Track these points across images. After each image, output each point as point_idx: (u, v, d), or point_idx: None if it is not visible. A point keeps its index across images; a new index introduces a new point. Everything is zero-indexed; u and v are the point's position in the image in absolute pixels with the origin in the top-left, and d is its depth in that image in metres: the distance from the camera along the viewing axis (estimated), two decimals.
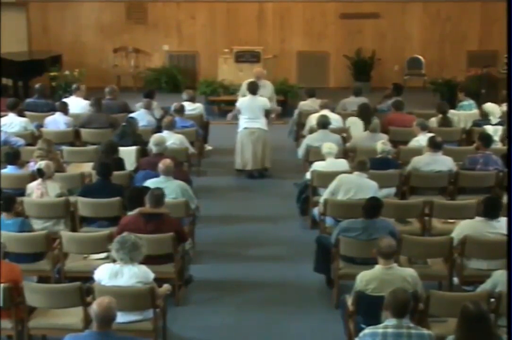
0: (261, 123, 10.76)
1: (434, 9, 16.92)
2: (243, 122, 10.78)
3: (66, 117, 10.72)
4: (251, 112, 10.72)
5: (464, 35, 16.87)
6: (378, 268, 5.80)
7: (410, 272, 5.83)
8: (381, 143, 8.83)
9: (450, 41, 17.01)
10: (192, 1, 16.88)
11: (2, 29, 15.45)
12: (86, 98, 11.63)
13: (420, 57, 16.87)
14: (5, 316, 5.87)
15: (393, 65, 16.96)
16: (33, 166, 8.40)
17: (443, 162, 8.72)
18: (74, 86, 11.97)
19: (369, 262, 6.13)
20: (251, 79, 11.31)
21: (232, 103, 11.45)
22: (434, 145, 8.70)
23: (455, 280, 6.82)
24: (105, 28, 16.90)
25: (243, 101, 10.86)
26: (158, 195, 6.85)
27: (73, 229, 7.68)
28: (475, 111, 11.32)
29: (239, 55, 14.82)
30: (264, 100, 10.89)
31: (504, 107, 10.81)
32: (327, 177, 8.30)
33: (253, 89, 10.86)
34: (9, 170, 8.41)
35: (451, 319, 5.48)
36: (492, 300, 5.62)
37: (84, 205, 7.73)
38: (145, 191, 6.99)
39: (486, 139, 8.91)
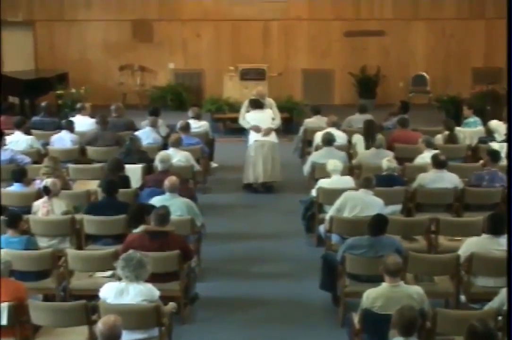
0: (270, 135, 10.84)
1: (439, 27, 16.99)
2: (254, 135, 10.83)
3: (72, 135, 10.75)
4: (260, 125, 10.79)
5: (468, 52, 16.92)
6: (384, 285, 5.77)
7: (416, 289, 5.79)
8: (387, 160, 8.82)
9: (454, 58, 17.06)
10: (197, 19, 16.98)
11: (9, 48, 15.55)
12: (92, 116, 11.67)
13: (425, 74, 16.91)
14: (10, 335, 5.83)
15: (398, 82, 17.00)
16: (39, 183, 8.41)
17: (449, 179, 8.70)
18: (78, 105, 12.00)
19: (375, 280, 6.09)
20: (254, 97, 11.33)
21: (237, 120, 11.46)
22: (437, 163, 8.70)
23: (462, 297, 6.78)
24: (111, 47, 17.00)
25: (252, 115, 10.92)
26: (163, 215, 6.83)
27: (79, 247, 7.66)
28: (481, 128, 11.32)
29: (244, 72, 14.88)
30: (270, 111, 11.03)
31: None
32: (333, 194, 8.29)
33: (259, 104, 10.95)
34: (15, 187, 8.42)
35: (458, 338, 5.44)
36: (500, 318, 5.57)
37: (89, 222, 7.72)
38: (147, 208, 6.98)
39: (495, 155, 8.90)
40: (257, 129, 10.84)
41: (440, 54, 17.10)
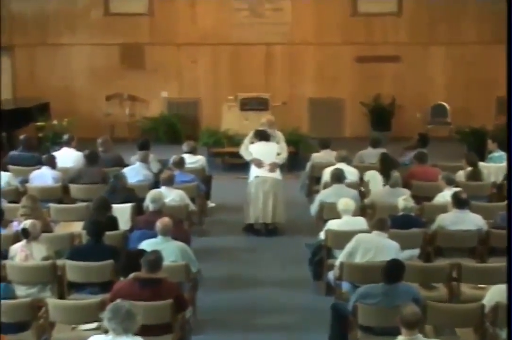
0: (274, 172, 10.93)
1: (458, 52, 17.15)
2: (255, 171, 10.92)
3: (54, 171, 10.81)
4: (265, 159, 10.92)
5: (492, 79, 17.01)
6: (401, 339, 5.77)
7: None
8: (403, 199, 8.86)
9: (477, 86, 17.18)
10: (194, 43, 17.17)
11: None
12: (77, 149, 11.75)
13: (445, 104, 17.04)
14: None
15: (415, 113, 17.08)
16: (17, 226, 8.43)
17: (472, 220, 8.73)
18: (65, 136, 12.08)
19: (391, 333, 6.10)
20: (261, 127, 11.44)
21: (237, 154, 11.56)
22: (458, 202, 8.74)
23: None
24: (98, 74, 17.17)
25: (255, 147, 11.03)
26: (154, 260, 6.84)
27: (61, 296, 7.66)
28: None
29: (244, 102, 15.00)
30: (276, 145, 11.12)
31: None
32: (343, 237, 8.31)
33: (265, 136, 11.05)
34: None
35: None
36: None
37: (73, 269, 7.73)
38: (143, 254, 7.00)
39: None
40: (258, 163, 10.93)
41: (461, 82, 17.25)
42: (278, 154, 11.12)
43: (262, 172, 10.88)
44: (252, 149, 11.10)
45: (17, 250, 7.83)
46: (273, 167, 10.91)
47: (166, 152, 12.69)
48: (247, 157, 11.15)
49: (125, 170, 10.68)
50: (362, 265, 7.79)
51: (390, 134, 16.48)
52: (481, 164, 11.22)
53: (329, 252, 8.78)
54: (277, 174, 11.01)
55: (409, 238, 8.52)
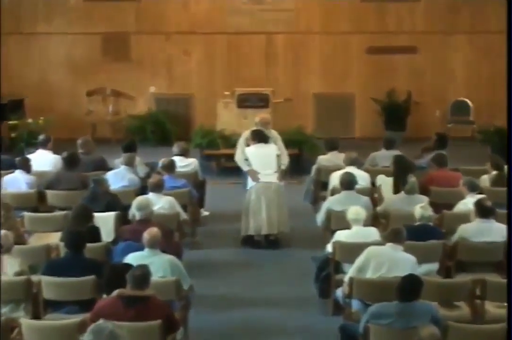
0: (276, 176, 10.93)
1: (482, 42, 17.16)
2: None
3: (28, 175, 10.80)
4: (264, 163, 10.88)
5: None
6: None
7: None
8: (420, 207, 8.86)
9: (503, 81, 17.14)
10: (185, 32, 17.18)
11: None
12: (54, 152, 11.75)
13: (467, 100, 17.06)
14: None
15: (433, 111, 17.12)
16: None
17: (497, 231, 8.72)
18: (41, 137, 12.08)
19: None
20: (256, 128, 11.43)
21: (233, 157, 11.57)
22: (482, 210, 8.74)
23: None
24: (78, 66, 17.18)
25: (252, 151, 11.00)
26: (141, 276, 6.84)
27: (36, 316, 7.65)
28: None
29: (242, 98, 15.00)
30: (276, 147, 11.14)
31: None
32: (353, 250, 8.30)
33: (263, 137, 11.02)
34: None
35: None
36: None
37: (49, 285, 7.72)
38: (128, 269, 6.99)
39: None
40: (254, 176, 10.91)
41: (485, 76, 17.27)
42: (278, 155, 11.12)
43: (263, 178, 10.87)
44: (249, 153, 11.05)
45: None
46: (281, 176, 10.94)
47: (155, 155, 12.70)
48: (244, 167, 11.15)
49: (109, 175, 10.69)
50: (375, 281, 7.78)
51: (405, 134, 16.49)
52: (507, 167, 11.21)
53: (337, 267, 8.78)
54: (278, 179, 11.02)
55: (427, 251, 8.52)
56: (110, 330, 5.78)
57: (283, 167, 11.18)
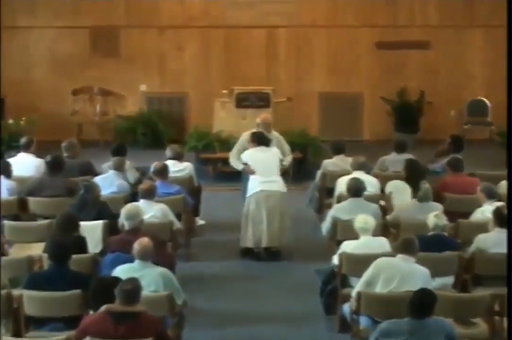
0: (278, 183, 10.92)
1: (500, 37, 17.13)
2: (255, 183, 10.90)
3: (9, 181, 10.80)
4: (265, 169, 10.87)
5: None
6: None
7: None
8: (434, 216, 8.87)
9: None
10: (180, 26, 17.18)
11: None
12: (37, 156, 11.75)
13: (484, 99, 17.05)
14: None
15: (448, 111, 17.12)
16: None
17: None
18: (23, 139, 12.08)
19: None
20: (256, 130, 11.43)
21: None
22: (501, 219, 8.75)
23: None
24: (63, 63, 17.18)
25: (251, 154, 10.98)
26: (131, 290, 6.84)
27: (17, 334, 7.64)
28: None
29: (241, 97, 15.02)
30: (278, 151, 11.15)
31: None
32: (361, 262, 8.31)
33: (264, 140, 11.00)
34: None
35: None
36: None
37: (31, 300, 7.72)
38: (117, 283, 7.00)
39: None
40: (251, 172, 10.92)
41: (504, 74, 17.26)
42: (282, 160, 11.13)
43: (264, 185, 10.82)
44: (248, 157, 11.03)
45: None
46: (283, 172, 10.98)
47: (146, 158, 12.72)
48: (238, 166, 11.18)
49: (96, 180, 10.68)
50: (384, 296, 7.79)
51: (418, 136, 16.50)
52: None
53: (344, 280, 8.79)
54: (281, 186, 10.98)
55: (441, 263, 8.53)
56: None
57: (285, 163, 11.17)
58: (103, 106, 17.10)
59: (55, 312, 7.71)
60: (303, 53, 17.31)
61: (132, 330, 6.74)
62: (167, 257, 8.84)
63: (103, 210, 9.74)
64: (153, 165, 11.01)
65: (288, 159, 11.43)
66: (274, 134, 11.67)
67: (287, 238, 10.98)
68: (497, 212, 8.86)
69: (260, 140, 11.09)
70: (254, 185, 10.94)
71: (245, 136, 11.54)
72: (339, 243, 9.24)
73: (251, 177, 11.00)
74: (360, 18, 17.22)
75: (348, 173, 10.98)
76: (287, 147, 11.64)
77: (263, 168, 10.94)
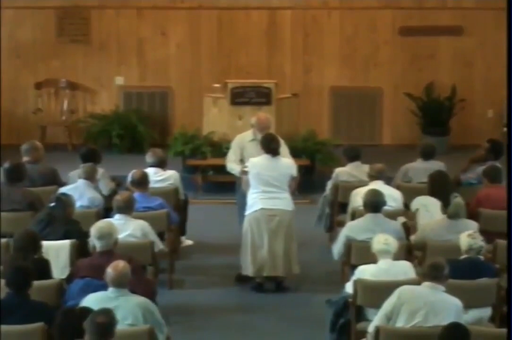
0: (283, 200, 10.82)
1: None
2: (256, 200, 10.84)
3: None
4: (270, 183, 10.76)
5: None
6: None
7: None
8: (468, 236, 8.88)
9: None
10: (163, 7, 17.19)
11: None
12: None
13: None
14: None
15: (485, 110, 17.14)
16: None
17: None
18: None
19: None
20: (268, 132, 11.34)
21: (224, 169, 11.62)
22: None
23: None
24: (23, 50, 17.20)
25: (257, 164, 10.90)
26: (104, 324, 6.86)
27: None
28: None
29: (237, 93, 15.03)
30: (290, 163, 11.01)
31: None
32: (380, 291, 8.33)
33: (273, 146, 10.82)
34: None
35: None
36: None
37: None
38: (87, 315, 7.02)
39: None
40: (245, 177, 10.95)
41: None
42: (293, 177, 10.96)
43: (267, 203, 10.77)
44: (252, 165, 10.84)
45: None
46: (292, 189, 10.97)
47: (123, 166, 12.76)
48: (235, 170, 11.17)
49: (63, 191, 10.69)
50: (408, 332, 7.80)
51: (449, 140, 16.53)
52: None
53: (359, 313, 8.81)
54: (287, 204, 10.84)
55: (476, 293, 8.56)
56: None
57: (293, 174, 11.17)
58: (72, 103, 17.12)
59: None
60: (312, 40, 17.33)
61: None
62: (147, 284, 8.84)
63: (74, 229, 9.72)
64: (131, 174, 11.04)
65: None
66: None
67: (294, 265, 10.90)
68: None
69: (268, 145, 10.88)
70: (254, 201, 10.84)
71: (238, 139, 11.53)
72: (353, 268, 9.26)
73: (251, 191, 10.94)
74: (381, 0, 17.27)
75: (365, 184, 11.00)
76: (287, 152, 11.51)
77: (268, 181, 10.80)
